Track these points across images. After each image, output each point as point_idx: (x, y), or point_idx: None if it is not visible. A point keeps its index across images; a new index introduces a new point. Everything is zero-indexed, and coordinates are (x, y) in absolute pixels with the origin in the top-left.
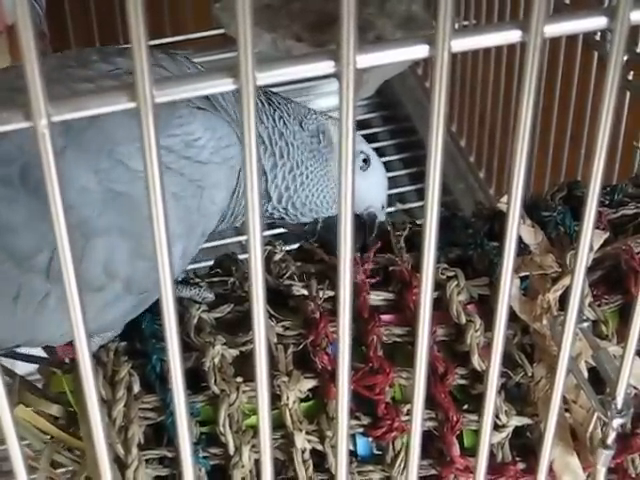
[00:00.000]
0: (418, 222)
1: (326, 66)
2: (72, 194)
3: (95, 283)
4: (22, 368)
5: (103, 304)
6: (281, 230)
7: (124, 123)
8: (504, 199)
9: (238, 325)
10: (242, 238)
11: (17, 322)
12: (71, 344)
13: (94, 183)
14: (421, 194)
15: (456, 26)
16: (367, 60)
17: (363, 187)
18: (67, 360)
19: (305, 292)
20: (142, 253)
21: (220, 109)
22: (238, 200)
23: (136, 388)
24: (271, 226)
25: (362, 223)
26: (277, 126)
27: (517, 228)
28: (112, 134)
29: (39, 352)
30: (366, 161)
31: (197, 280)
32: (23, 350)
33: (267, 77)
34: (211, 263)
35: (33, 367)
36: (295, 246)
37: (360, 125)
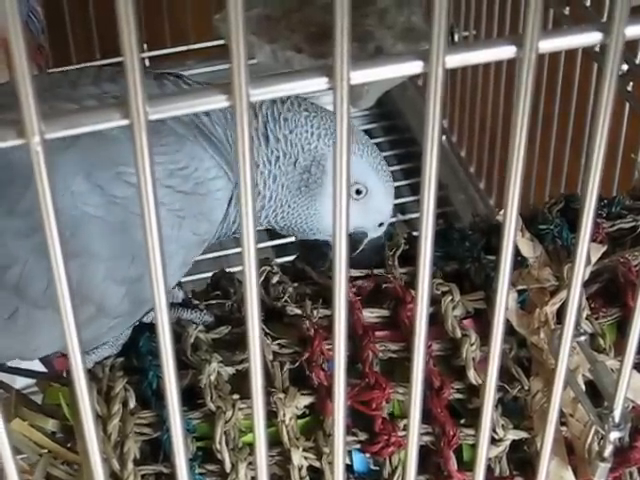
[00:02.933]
0: (415, 234)
1: (320, 82)
2: None
3: None
4: (20, 381)
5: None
6: (281, 241)
7: (103, 146)
8: (502, 212)
9: (235, 346)
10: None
11: None
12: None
13: (68, 205)
14: None
15: (456, 37)
16: (361, 76)
17: (354, 214)
18: (64, 374)
19: (299, 312)
20: (114, 278)
21: (212, 138)
22: (228, 226)
23: (132, 403)
24: (272, 237)
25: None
26: (272, 170)
27: (513, 241)
28: (90, 157)
29: (37, 366)
30: (360, 192)
31: (196, 302)
32: (22, 365)
33: (261, 94)
34: (209, 274)
35: (30, 380)
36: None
37: None
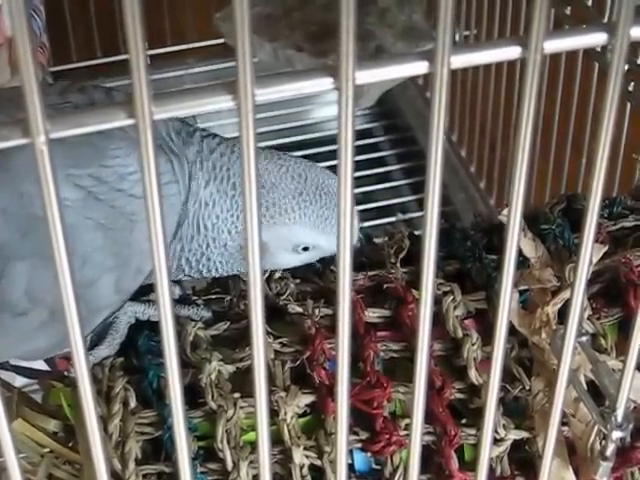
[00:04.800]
0: (415, 233)
1: (325, 82)
2: None
3: (17, 307)
4: (20, 380)
5: (29, 329)
6: None
7: (54, 149)
8: (505, 211)
9: (235, 342)
10: None
11: None
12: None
13: (16, 206)
14: (422, 204)
15: (457, 36)
16: (366, 76)
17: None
18: (66, 373)
19: (301, 310)
20: None
21: (162, 142)
22: (186, 247)
23: (132, 403)
24: None
25: None
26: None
27: (517, 241)
28: None
29: (40, 365)
30: (307, 249)
31: (194, 298)
32: (23, 364)
33: (266, 94)
34: None
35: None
36: None
37: (361, 135)
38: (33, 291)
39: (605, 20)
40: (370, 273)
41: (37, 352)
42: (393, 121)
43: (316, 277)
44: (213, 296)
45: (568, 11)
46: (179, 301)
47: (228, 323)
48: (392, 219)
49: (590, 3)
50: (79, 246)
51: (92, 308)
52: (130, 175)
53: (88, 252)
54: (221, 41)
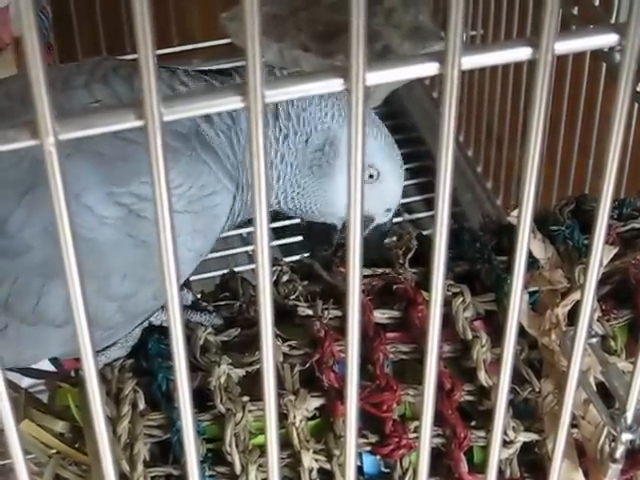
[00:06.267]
0: (424, 233)
1: (336, 83)
2: (34, 234)
3: (57, 320)
4: (27, 380)
5: (68, 337)
6: (287, 240)
7: (91, 168)
8: (514, 212)
9: (244, 347)
10: (249, 248)
11: None
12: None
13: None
14: (429, 204)
15: (464, 37)
16: (376, 77)
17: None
18: (73, 373)
19: (310, 312)
20: (107, 294)
21: (216, 150)
22: (233, 220)
23: (141, 405)
24: (278, 237)
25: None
26: (280, 149)
27: (527, 243)
28: (79, 178)
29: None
30: (372, 176)
31: (205, 304)
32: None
33: (276, 95)
34: (217, 274)
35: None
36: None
37: None
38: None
39: (613, 20)
40: (379, 271)
41: (72, 353)
42: (399, 121)
43: (324, 274)
44: (222, 302)
45: (575, 11)
46: (191, 307)
47: (238, 330)
48: (399, 219)
49: (597, 3)
50: (120, 262)
51: (129, 316)
52: (173, 190)
53: (129, 268)
54: (227, 41)
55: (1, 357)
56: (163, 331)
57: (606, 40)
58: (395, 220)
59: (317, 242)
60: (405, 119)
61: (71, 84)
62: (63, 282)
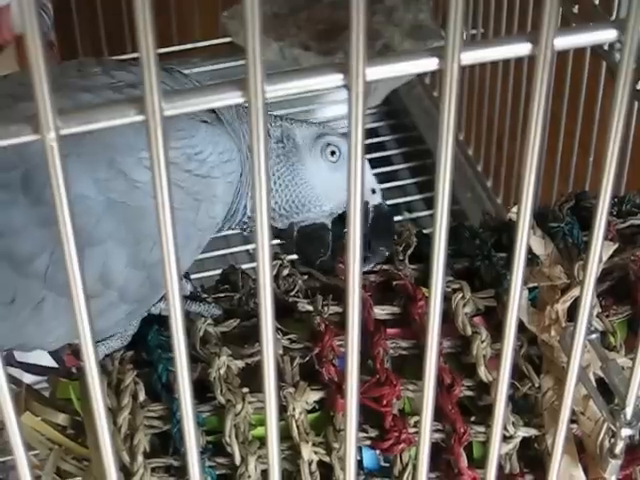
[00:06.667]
0: (425, 231)
1: (335, 79)
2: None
3: (91, 291)
4: (29, 376)
5: (97, 311)
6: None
7: (123, 132)
8: (514, 209)
9: (244, 339)
10: (250, 247)
11: (10, 327)
12: (77, 356)
13: (93, 192)
14: (428, 203)
15: (464, 35)
16: (376, 73)
17: (335, 180)
18: (74, 370)
19: (310, 308)
20: (137, 262)
21: (225, 122)
22: (233, 212)
23: (141, 396)
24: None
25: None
26: (246, 141)
27: (527, 239)
28: (112, 143)
29: (48, 362)
30: (334, 153)
31: (204, 295)
32: (31, 361)
33: (276, 90)
34: (217, 272)
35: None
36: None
37: (367, 134)
38: (106, 275)
39: (613, 18)
40: (379, 267)
41: (99, 332)
42: (399, 120)
43: (324, 279)
44: (222, 294)
45: (575, 9)
46: (190, 298)
47: (238, 320)
48: (399, 218)
49: (597, 1)
50: (150, 228)
51: (155, 286)
52: (197, 155)
53: (157, 233)
54: (227, 40)
55: (31, 336)
56: (162, 322)
57: (605, 36)
58: (395, 219)
59: (312, 250)
60: (405, 118)
61: (68, 74)
62: (99, 251)
